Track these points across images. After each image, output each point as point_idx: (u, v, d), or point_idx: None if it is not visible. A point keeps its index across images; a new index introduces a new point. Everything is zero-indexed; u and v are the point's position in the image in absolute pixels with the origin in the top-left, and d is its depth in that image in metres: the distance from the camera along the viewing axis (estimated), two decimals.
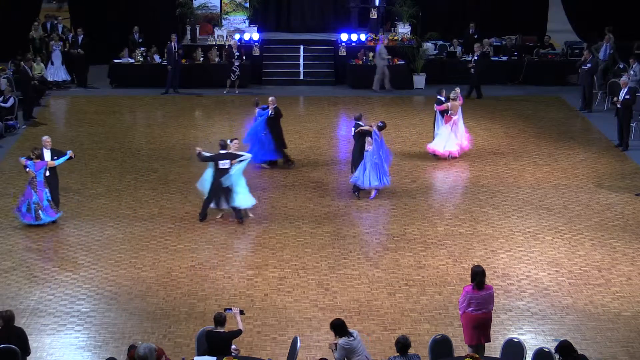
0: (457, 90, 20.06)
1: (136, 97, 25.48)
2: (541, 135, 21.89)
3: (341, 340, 10.47)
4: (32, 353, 11.09)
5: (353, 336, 10.51)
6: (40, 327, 12.53)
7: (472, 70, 25.16)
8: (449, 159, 19.80)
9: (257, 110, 19.12)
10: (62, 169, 18.35)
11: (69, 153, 16.26)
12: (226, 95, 25.60)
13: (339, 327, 10.54)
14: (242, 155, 16.28)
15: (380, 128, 17.35)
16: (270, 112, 18.90)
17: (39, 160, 15.81)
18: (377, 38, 26.94)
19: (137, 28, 27.31)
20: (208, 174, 16.28)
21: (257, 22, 28.32)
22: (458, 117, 19.69)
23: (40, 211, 15.79)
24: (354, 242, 15.60)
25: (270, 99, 19.15)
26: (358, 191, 17.59)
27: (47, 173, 15.97)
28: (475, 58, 25.17)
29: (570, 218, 16.65)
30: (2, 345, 10.52)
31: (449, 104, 19.70)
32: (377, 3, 27.70)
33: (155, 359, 9.81)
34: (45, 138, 16.46)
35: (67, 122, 23.56)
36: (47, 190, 15.89)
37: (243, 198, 16.33)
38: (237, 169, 16.15)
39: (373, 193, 17.52)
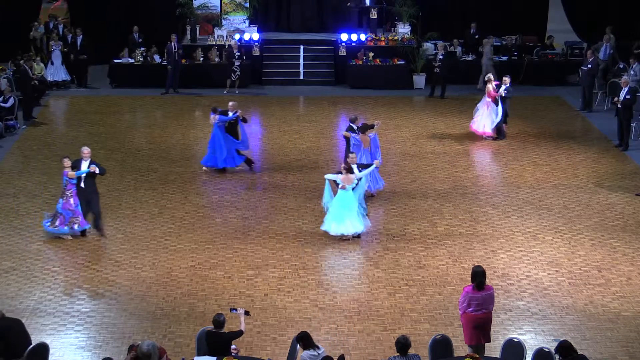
0: (493, 76, 21.41)
1: (136, 97, 25.46)
2: (541, 135, 21.87)
3: (305, 353, 10.40)
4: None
5: (318, 351, 10.41)
6: (40, 327, 12.53)
7: (436, 70, 25.15)
8: (485, 138, 21.17)
9: (217, 116, 18.71)
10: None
11: (91, 167, 15.30)
12: (226, 95, 25.54)
13: (304, 339, 10.46)
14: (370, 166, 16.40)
15: (361, 129, 17.42)
16: (239, 115, 18.88)
17: (67, 170, 15.31)
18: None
19: (137, 28, 27.25)
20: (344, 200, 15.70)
21: (257, 22, 28.30)
22: (489, 100, 20.96)
23: (59, 218, 15.37)
24: (354, 242, 15.60)
25: (230, 103, 19.17)
26: None
27: (82, 184, 15.35)
28: (441, 57, 25.19)
29: (570, 218, 16.64)
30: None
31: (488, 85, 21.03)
32: (368, 2, 27.67)
33: (158, 357, 9.83)
34: (84, 149, 15.50)
35: (67, 122, 23.54)
36: (63, 200, 15.23)
37: None
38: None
39: None
